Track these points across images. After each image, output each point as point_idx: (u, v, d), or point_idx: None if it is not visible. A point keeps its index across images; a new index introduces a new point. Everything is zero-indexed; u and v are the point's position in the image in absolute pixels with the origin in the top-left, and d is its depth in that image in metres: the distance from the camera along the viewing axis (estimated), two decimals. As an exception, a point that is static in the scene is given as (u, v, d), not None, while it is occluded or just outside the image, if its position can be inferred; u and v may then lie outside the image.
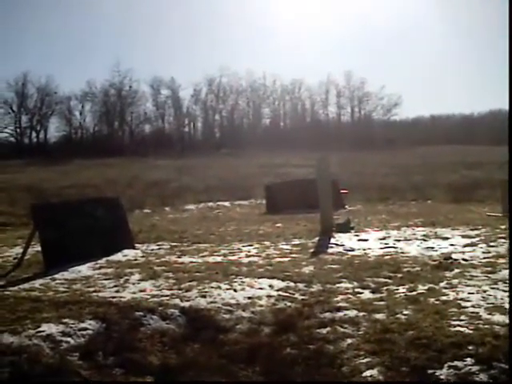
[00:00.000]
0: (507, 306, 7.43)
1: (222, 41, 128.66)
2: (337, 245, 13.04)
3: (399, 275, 9.52)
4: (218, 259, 11.57)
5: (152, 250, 13.18)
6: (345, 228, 15.55)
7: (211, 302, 7.83)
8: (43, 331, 6.32)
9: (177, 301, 7.88)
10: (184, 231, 16.51)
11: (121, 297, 8.16)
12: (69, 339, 6.25)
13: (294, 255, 11.89)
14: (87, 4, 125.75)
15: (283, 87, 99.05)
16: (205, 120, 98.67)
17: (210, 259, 11.58)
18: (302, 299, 8.08)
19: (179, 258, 11.89)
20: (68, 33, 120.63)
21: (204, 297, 8.09)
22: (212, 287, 8.64)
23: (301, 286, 8.87)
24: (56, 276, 10.00)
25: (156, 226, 18.50)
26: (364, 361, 5.82)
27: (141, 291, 8.59)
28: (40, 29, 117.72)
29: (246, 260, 11.37)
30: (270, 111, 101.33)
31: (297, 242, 13.80)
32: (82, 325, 6.62)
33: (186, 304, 7.72)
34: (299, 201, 22.39)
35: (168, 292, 8.45)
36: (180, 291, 8.46)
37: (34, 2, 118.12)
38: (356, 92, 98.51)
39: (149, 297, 8.14)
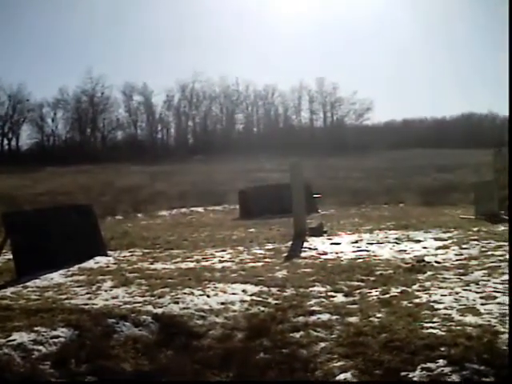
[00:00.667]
0: (479, 307, 7.52)
1: (195, 46, 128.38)
2: (310, 249, 13.09)
3: (372, 278, 9.57)
4: (191, 265, 11.56)
5: (124, 256, 13.13)
6: (318, 232, 15.61)
7: (184, 308, 7.81)
8: (14, 340, 6.26)
9: (149, 307, 7.85)
10: (157, 237, 16.46)
11: (93, 304, 8.11)
12: (40, 347, 6.19)
13: (267, 260, 11.91)
14: (59, 10, 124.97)
15: (256, 93, 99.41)
16: (178, 126, 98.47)
17: (183, 265, 11.56)
18: (276, 304, 8.08)
19: (152, 264, 11.86)
20: (40, 39, 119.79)
21: (177, 303, 8.08)
22: (185, 293, 8.62)
23: (274, 290, 8.88)
24: (28, 284, 9.90)
25: (128, 232, 18.41)
26: (337, 364, 5.82)
27: (113, 298, 8.54)
28: (12, 35, 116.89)
29: (219, 265, 11.37)
30: (243, 117, 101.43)
31: (270, 246, 13.83)
32: (54, 333, 6.56)
33: (159, 310, 7.70)
34: (273, 206, 22.42)
35: (140, 299, 8.42)
36: (153, 298, 8.43)
37: (6, 8, 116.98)
38: (328, 97, 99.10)
39: (121, 304, 8.09)
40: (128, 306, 7.95)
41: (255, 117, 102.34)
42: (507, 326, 6.58)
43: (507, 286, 8.59)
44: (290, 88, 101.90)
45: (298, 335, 6.70)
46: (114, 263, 12.09)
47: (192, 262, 11.98)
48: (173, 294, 8.60)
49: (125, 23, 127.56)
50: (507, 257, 10.84)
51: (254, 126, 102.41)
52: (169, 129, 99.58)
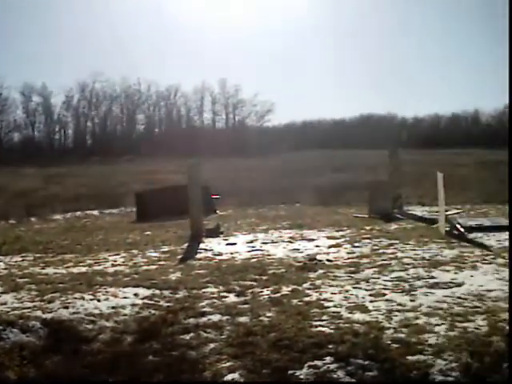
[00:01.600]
0: (368, 304, 7.73)
1: (95, 46, 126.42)
2: (205, 250, 13.12)
3: (264, 277, 9.68)
4: (83, 269, 11.37)
5: (15, 261, 12.78)
6: (214, 233, 15.67)
7: (74, 313, 7.69)
8: None
9: (38, 313, 7.70)
10: (49, 242, 16.09)
11: (-20, 311, 7.87)
12: None
13: (161, 262, 11.86)
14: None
15: (158, 93, 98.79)
16: (76, 127, 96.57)
17: (75, 270, 11.36)
18: (167, 306, 8.07)
19: (43, 269, 11.60)
20: None
21: (67, 308, 7.94)
22: (75, 298, 8.48)
23: (166, 293, 8.85)
24: None
25: (21, 237, 17.90)
26: (226, 365, 5.86)
27: (1, 304, 8.30)
28: None
29: (111, 269, 11.24)
30: (144, 117, 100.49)
31: (166, 249, 13.76)
32: None
33: (48, 316, 7.55)
34: (171, 207, 22.24)
35: (30, 304, 8.24)
36: (42, 303, 8.26)
37: None
38: (230, 99, 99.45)
39: (9, 310, 7.89)
40: (16, 311, 7.76)
41: (157, 117, 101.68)
42: (393, 322, 6.82)
43: (396, 283, 8.88)
44: (192, 89, 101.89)
45: (188, 337, 6.71)
46: (5, 268, 11.77)
47: (84, 266, 11.78)
48: (63, 298, 8.45)
49: (24, 21, 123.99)
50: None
51: (156, 126, 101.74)
52: (67, 130, 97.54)
